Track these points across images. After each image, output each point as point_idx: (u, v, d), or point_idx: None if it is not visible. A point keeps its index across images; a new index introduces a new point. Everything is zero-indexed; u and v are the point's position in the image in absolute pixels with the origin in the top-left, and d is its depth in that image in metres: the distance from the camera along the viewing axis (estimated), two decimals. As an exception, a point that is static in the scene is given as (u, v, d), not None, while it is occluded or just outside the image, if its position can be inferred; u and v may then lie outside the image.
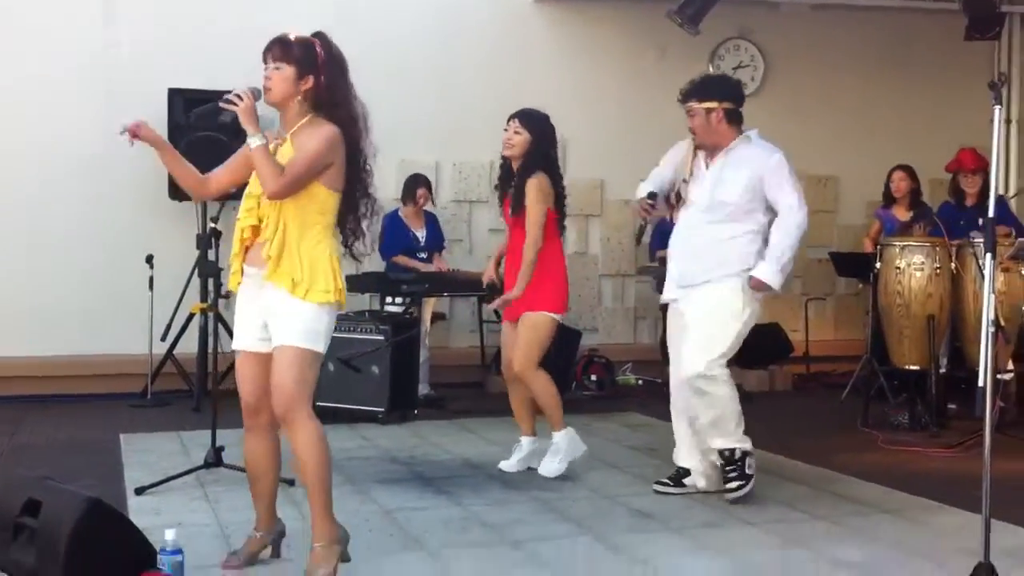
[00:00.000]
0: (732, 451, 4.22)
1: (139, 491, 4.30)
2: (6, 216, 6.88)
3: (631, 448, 5.42)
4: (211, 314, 6.33)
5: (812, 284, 8.39)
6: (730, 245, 4.23)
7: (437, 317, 7.21)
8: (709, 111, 4.27)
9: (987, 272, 3.17)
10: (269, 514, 3.40)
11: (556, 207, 4.71)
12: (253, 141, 3.17)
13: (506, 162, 4.79)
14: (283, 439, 3.31)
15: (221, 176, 3.40)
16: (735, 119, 4.32)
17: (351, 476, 4.64)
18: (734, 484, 4.20)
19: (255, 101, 3.21)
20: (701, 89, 4.35)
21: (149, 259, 6.52)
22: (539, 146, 4.68)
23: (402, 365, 6.07)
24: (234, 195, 6.06)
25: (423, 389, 6.49)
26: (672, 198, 4.45)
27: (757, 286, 4.22)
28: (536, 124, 4.70)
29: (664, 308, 4.75)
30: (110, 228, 7.00)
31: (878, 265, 5.98)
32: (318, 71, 3.22)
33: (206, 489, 4.37)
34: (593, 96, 7.83)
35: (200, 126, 6.64)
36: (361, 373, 5.85)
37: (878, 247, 6.16)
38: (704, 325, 4.21)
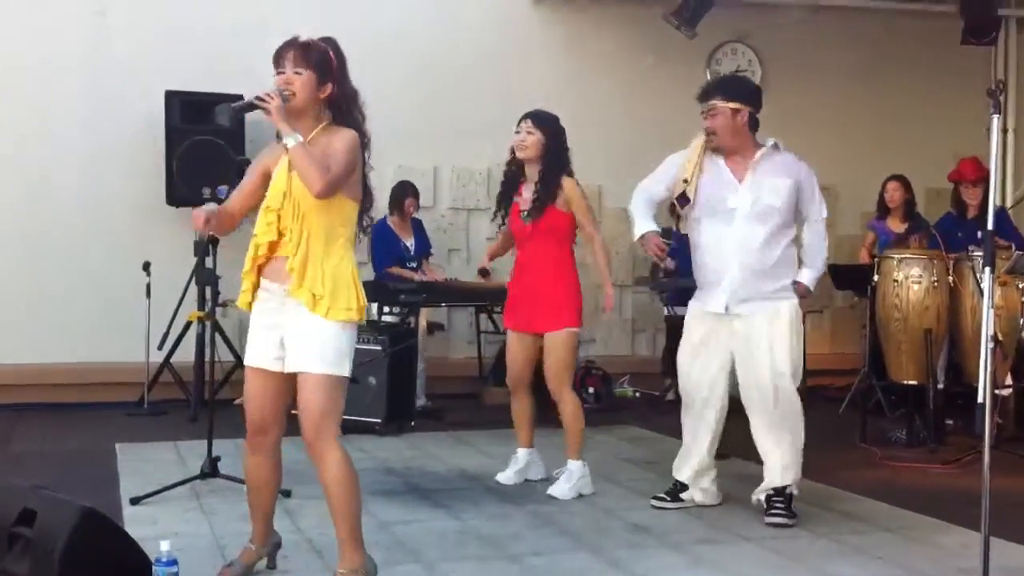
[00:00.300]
0: (787, 485, 4.16)
1: (134, 501, 4.27)
2: (2, 219, 6.86)
3: (629, 461, 5.40)
4: (208, 323, 6.33)
5: (809, 297, 8.37)
6: (785, 258, 4.20)
7: (434, 327, 7.18)
8: (735, 112, 4.19)
9: (986, 287, 3.16)
10: (266, 527, 3.37)
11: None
12: (290, 140, 3.03)
13: (513, 167, 4.69)
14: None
15: (236, 205, 3.26)
16: (755, 125, 4.27)
17: (348, 487, 4.61)
18: (782, 514, 4.13)
19: (282, 104, 3.09)
20: (727, 88, 4.27)
21: (146, 266, 6.51)
22: (554, 147, 4.61)
23: (399, 375, 6.05)
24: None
25: (420, 401, 6.47)
26: (678, 206, 4.30)
27: (803, 292, 4.22)
28: (549, 124, 4.63)
29: (671, 319, 4.66)
30: (107, 234, 6.98)
31: (876, 278, 5.96)
32: (334, 78, 3.17)
33: (202, 500, 4.34)
34: (591, 100, 7.83)
35: (199, 129, 6.68)
36: (358, 383, 5.82)
37: (875, 259, 6.15)
38: (785, 345, 4.13)
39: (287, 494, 4.26)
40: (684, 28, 6.99)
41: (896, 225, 7.01)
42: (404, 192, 6.84)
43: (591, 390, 7.27)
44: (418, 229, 6.97)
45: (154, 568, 3.11)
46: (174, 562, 3.13)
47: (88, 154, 7.02)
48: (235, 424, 3.34)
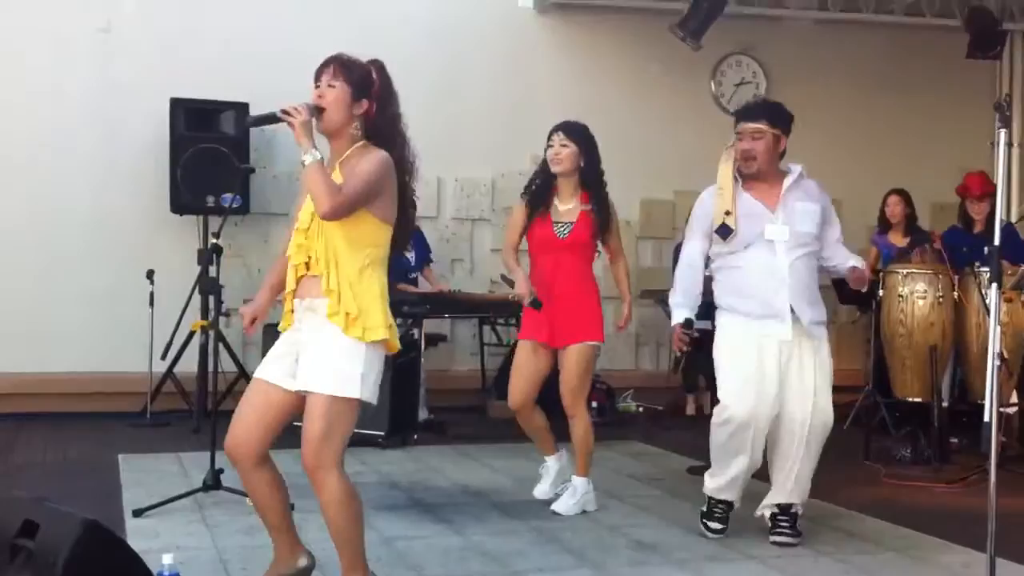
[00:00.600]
0: (792, 504, 4.13)
1: (137, 513, 4.26)
2: (6, 230, 6.87)
3: (632, 477, 5.38)
4: (211, 332, 6.32)
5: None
6: (815, 286, 4.18)
7: (437, 339, 7.17)
8: (777, 138, 4.17)
9: (992, 304, 3.14)
10: (287, 545, 3.27)
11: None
12: (307, 157, 2.97)
13: (546, 178, 4.60)
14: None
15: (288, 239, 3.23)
16: (783, 155, 4.26)
17: (350, 501, 4.59)
18: (787, 532, 4.10)
19: (312, 118, 3.05)
20: (773, 113, 4.21)
21: (150, 275, 6.50)
22: (591, 160, 4.58)
23: (402, 388, 6.03)
24: (237, 210, 6.13)
25: (422, 414, 6.45)
26: (720, 237, 4.17)
27: (862, 275, 4.17)
28: (582, 136, 4.58)
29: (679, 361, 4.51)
30: (111, 242, 6.99)
31: (880, 293, 5.94)
32: (371, 97, 3.13)
33: (204, 512, 4.33)
34: (595, 111, 7.74)
35: (204, 137, 6.69)
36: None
37: (879, 274, 6.13)
38: (827, 373, 4.12)
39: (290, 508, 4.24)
40: (689, 40, 7.00)
41: (898, 239, 7.00)
42: None
43: (594, 404, 7.19)
44: (418, 239, 6.96)
45: (156, 582, 3.09)
46: (176, 575, 3.11)
47: (93, 162, 7.03)
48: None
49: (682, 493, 4.90)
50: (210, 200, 6.70)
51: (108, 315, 6.89)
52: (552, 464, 4.74)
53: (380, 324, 3.04)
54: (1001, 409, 5.33)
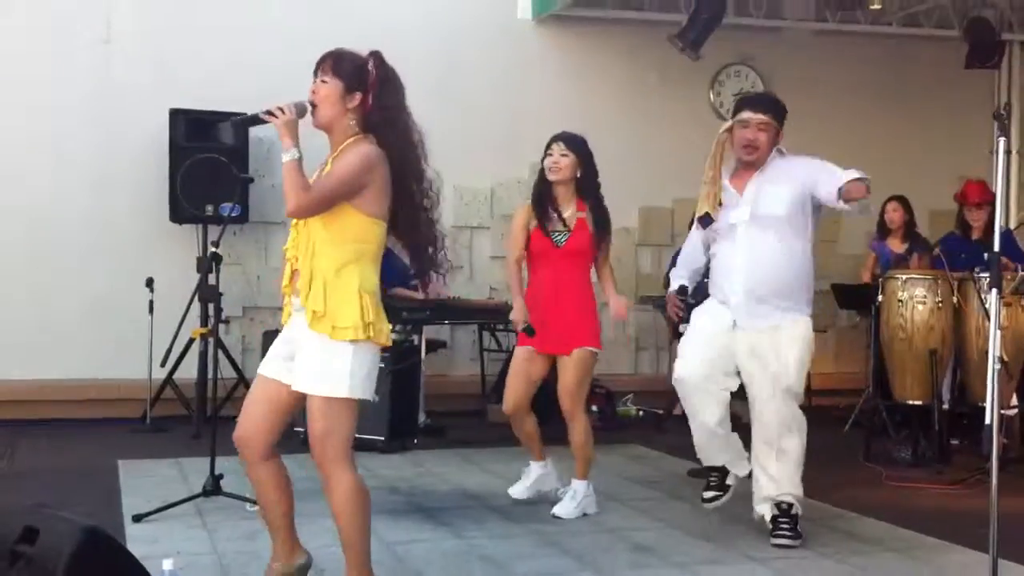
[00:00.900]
0: (790, 505, 4.12)
1: (137, 518, 4.26)
2: (6, 238, 6.88)
3: (632, 480, 5.38)
4: (211, 339, 6.33)
5: (814, 316, 8.34)
6: (799, 274, 4.11)
7: (437, 345, 7.18)
8: (777, 133, 4.20)
9: (992, 309, 3.16)
10: (286, 545, 3.27)
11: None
12: (284, 155, 3.01)
13: (545, 187, 4.63)
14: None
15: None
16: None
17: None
18: (787, 535, 4.09)
19: (299, 117, 3.06)
20: (778, 108, 4.25)
21: (149, 282, 6.51)
22: (588, 171, 4.62)
23: (403, 393, 6.04)
24: (236, 218, 6.15)
25: (419, 418, 6.44)
26: (700, 225, 4.26)
27: (858, 191, 3.87)
28: (580, 146, 4.62)
29: (676, 329, 4.58)
30: (111, 251, 7.00)
31: (880, 298, 5.96)
32: (367, 89, 3.11)
33: (205, 518, 4.33)
34: (594, 120, 7.78)
35: (203, 146, 6.71)
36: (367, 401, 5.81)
37: (879, 280, 6.15)
38: (788, 369, 4.08)
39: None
40: (688, 50, 7.01)
41: (896, 245, 7.01)
42: None
43: (594, 408, 7.22)
44: None
45: (157, 587, 3.09)
46: (176, 581, 3.11)
47: (93, 171, 7.04)
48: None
49: (682, 496, 4.91)
50: (209, 209, 6.71)
51: (108, 323, 6.90)
52: (535, 469, 4.77)
53: (351, 323, 3.00)
54: (1002, 411, 5.34)
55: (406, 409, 6.08)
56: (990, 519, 3.05)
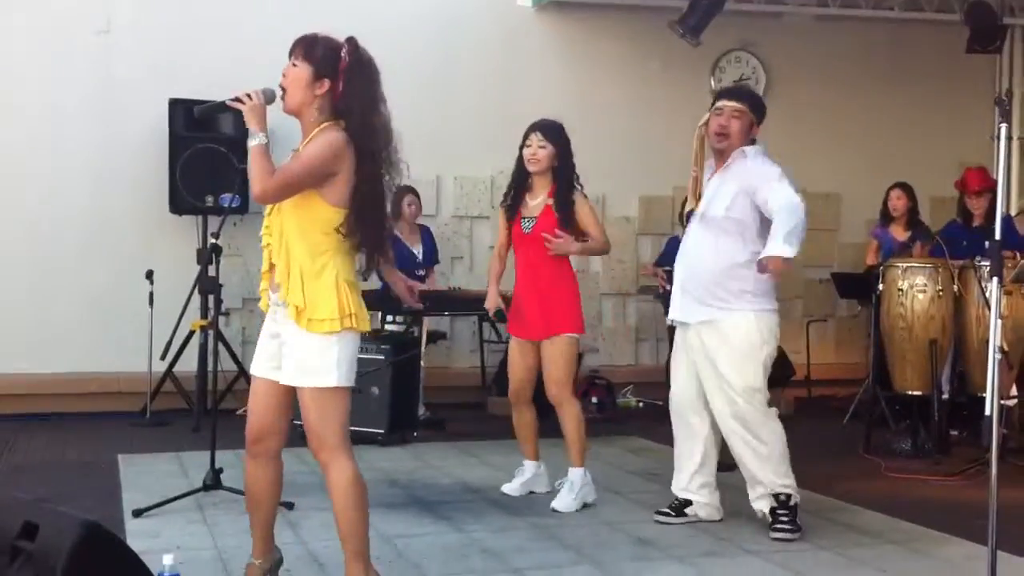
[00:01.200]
0: (788, 496, 4.13)
1: (137, 513, 4.26)
2: (5, 231, 6.86)
3: (633, 473, 5.38)
4: (211, 332, 6.32)
5: (813, 305, 8.37)
6: (740, 272, 4.09)
7: (437, 336, 7.17)
8: (752, 125, 4.22)
9: (993, 298, 3.14)
10: (266, 541, 3.32)
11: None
12: (251, 140, 3.01)
13: (521, 175, 4.69)
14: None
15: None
16: (753, 142, 4.28)
17: (350, 499, 4.59)
18: (786, 528, 4.09)
19: (267, 103, 3.06)
20: (755, 101, 4.31)
21: (149, 275, 6.49)
22: (564, 160, 4.64)
23: (402, 385, 6.03)
24: (236, 209, 6.14)
25: (419, 411, 6.44)
26: (684, 222, 4.39)
27: (774, 266, 3.91)
28: (558, 135, 4.65)
29: (671, 328, 4.63)
30: (110, 242, 6.98)
31: (880, 287, 5.94)
32: (338, 76, 3.06)
33: (205, 512, 4.33)
34: (594, 108, 7.83)
35: (203, 137, 6.68)
36: (360, 393, 5.80)
37: (879, 268, 6.13)
38: (732, 363, 4.09)
39: (290, 506, 4.25)
40: (689, 36, 6.98)
41: (899, 233, 6.99)
42: (400, 195, 6.81)
43: (594, 400, 7.24)
44: (426, 237, 6.95)
45: (157, 582, 3.09)
46: (177, 576, 3.11)
47: (92, 162, 7.02)
48: (238, 435, 3.32)
49: (682, 488, 4.90)
50: (209, 200, 6.69)
51: (108, 315, 6.89)
52: (528, 468, 4.81)
53: (328, 316, 3.02)
54: (1002, 402, 5.33)
55: (405, 402, 6.07)
56: (989, 510, 3.04)
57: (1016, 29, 8.60)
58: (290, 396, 3.17)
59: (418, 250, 6.85)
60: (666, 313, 4.43)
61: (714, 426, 4.26)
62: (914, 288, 5.80)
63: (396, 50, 7.66)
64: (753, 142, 4.26)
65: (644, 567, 3.77)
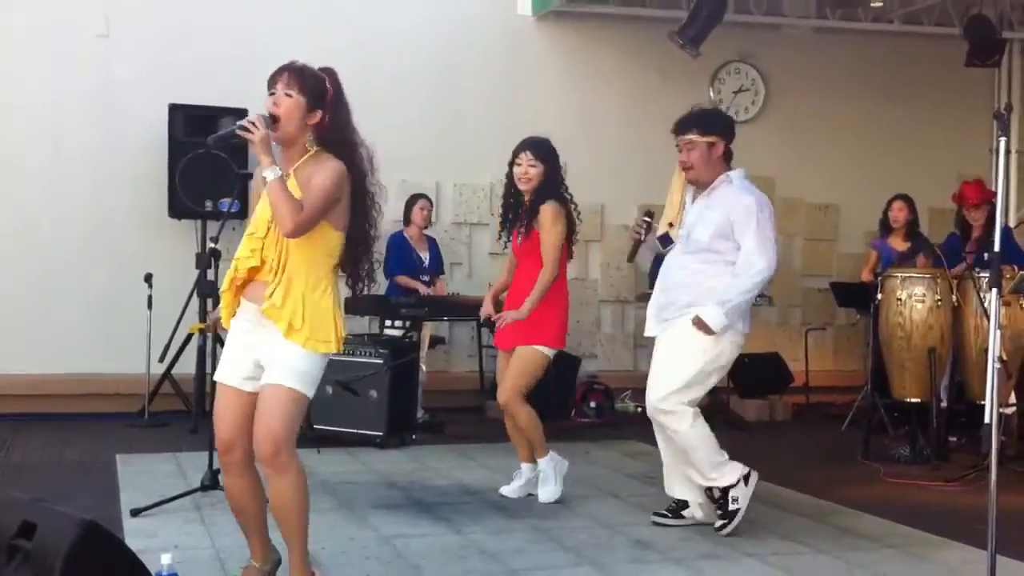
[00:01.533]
0: (710, 489, 4.20)
1: (135, 513, 4.26)
2: (5, 234, 6.87)
3: (631, 476, 5.39)
4: (209, 334, 6.33)
5: (812, 314, 8.39)
6: (703, 282, 4.15)
7: (436, 341, 7.18)
8: (711, 145, 4.21)
9: (992, 309, 3.16)
10: (262, 544, 3.31)
11: (567, 236, 4.69)
12: (269, 173, 3.01)
13: (513, 193, 4.75)
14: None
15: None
16: (729, 157, 4.29)
17: (349, 502, 4.60)
18: (720, 524, 4.17)
19: (267, 132, 3.06)
20: (704, 121, 4.26)
21: (148, 278, 6.50)
22: (551, 175, 4.69)
23: (401, 389, 6.04)
24: (235, 214, 6.15)
25: (418, 414, 6.45)
26: (659, 246, 4.43)
27: (698, 325, 4.07)
28: (548, 153, 4.70)
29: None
30: (109, 246, 7.00)
31: (879, 296, 5.96)
32: (326, 107, 3.13)
33: (202, 512, 4.33)
34: (594, 117, 7.85)
35: (202, 142, 6.66)
36: (359, 397, 5.82)
37: (878, 278, 6.15)
38: (667, 359, 4.19)
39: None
40: (688, 47, 7.01)
41: (899, 244, 7.02)
42: (412, 201, 6.85)
43: (593, 405, 7.26)
44: (433, 246, 6.97)
45: (155, 581, 3.09)
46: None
47: (92, 166, 7.04)
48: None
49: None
50: (208, 205, 6.71)
51: (107, 317, 6.89)
52: (526, 470, 4.84)
53: (329, 339, 3.09)
54: (1000, 410, 5.33)
55: (404, 405, 6.08)
56: (988, 516, 3.05)
57: (1015, 43, 8.64)
58: (253, 407, 3.15)
59: (425, 256, 6.87)
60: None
61: None
62: (912, 298, 5.81)
63: (398, 59, 7.76)
64: (730, 156, 4.27)
65: (643, 569, 3.77)
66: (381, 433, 5.91)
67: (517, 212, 4.75)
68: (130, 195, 7.04)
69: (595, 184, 7.82)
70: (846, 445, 6.21)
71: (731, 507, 4.16)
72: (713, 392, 5.02)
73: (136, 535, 3.90)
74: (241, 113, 6.62)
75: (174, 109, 6.83)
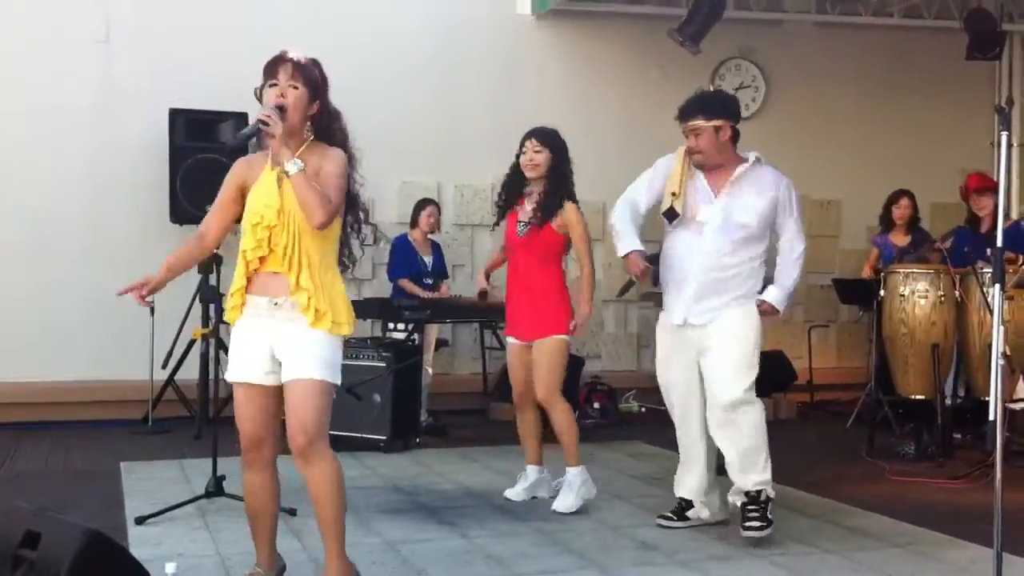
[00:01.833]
0: (759, 492, 4.11)
1: (139, 520, 4.25)
2: (7, 238, 6.87)
3: (635, 478, 5.37)
4: (212, 340, 6.32)
5: (815, 311, 8.37)
6: (747, 270, 4.18)
7: (439, 344, 7.17)
8: (718, 129, 4.18)
9: (996, 304, 3.15)
10: (270, 550, 3.33)
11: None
12: (292, 167, 3.03)
13: (515, 176, 4.73)
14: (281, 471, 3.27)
15: (213, 225, 3.30)
16: (736, 138, 4.27)
17: (353, 506, 4.55)
18: (755, 525, 4.06)
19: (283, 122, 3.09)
20: (708, 106, 4.24)
21: (150, 284, 6.48)
22: (559, 165, 4.67)
23: (404, 392, 6.03)
24: (236, 220, 6.14)
25: (421, 416, 6.44)
26: (666, 221, 4.32)
27: (768, 310, 4.20)
28: (554, 140, 4.69)
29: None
30: (111, 251, 6.98)
31: (882, 292, 5.94)
32: (320, 96, 3.18)
33: (207, 519, 4.32)
34: (595, 116, 7.84)
35: (203, 147, 6.70)
36: (363, 400, 5.81)
37: (881, 274, 6.13)
38: (731, 351, 4.12)
39: (292, 512, 4.24)
40: (689, 44, 6.99)
41: (900, 239, 7.01)
42: (421, 206, 6.83)
43: (596, 405, 7.24)
44: (436, 251, 6.96)
45: (159, 590, 3.08)
46: (179, 584, 3.10)
47: (92, 172, 7.03)
48: (239, 442, 3.31)
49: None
50: (209, 209, 6.68)
51: (109, 324, 6.87)
52: (531, 473, 4.82)
53: (346, 320, 3.16)
54: (1008, 405, 5.33)
55: (408, 408, 6.07)
56: (994, 514, 3.03)
57: (1015, 36, 8.62)
58: (277, 400, 3.18)
59: (429, 260, 6.86)
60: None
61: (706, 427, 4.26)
62: (915, 294, 5.80)
63: (397, 59, 7.75)
64: (737, 137, 4.25)
65: (649, 572, 3.76)
66: (385, 437, 5.91)
67: (515, 198, 4.73)
68: (131, 200, 7.03)
69: (596, 183, 7.74)
70: (850, 443, 6.20)
71: (770, 515, 4.11)
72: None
73: (141, 543, 3.90)
74: (241, 117, 6.63)
75: (175, 114, 6.82)
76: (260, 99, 3.19)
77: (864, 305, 7.10)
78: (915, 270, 5.94)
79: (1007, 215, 6.05)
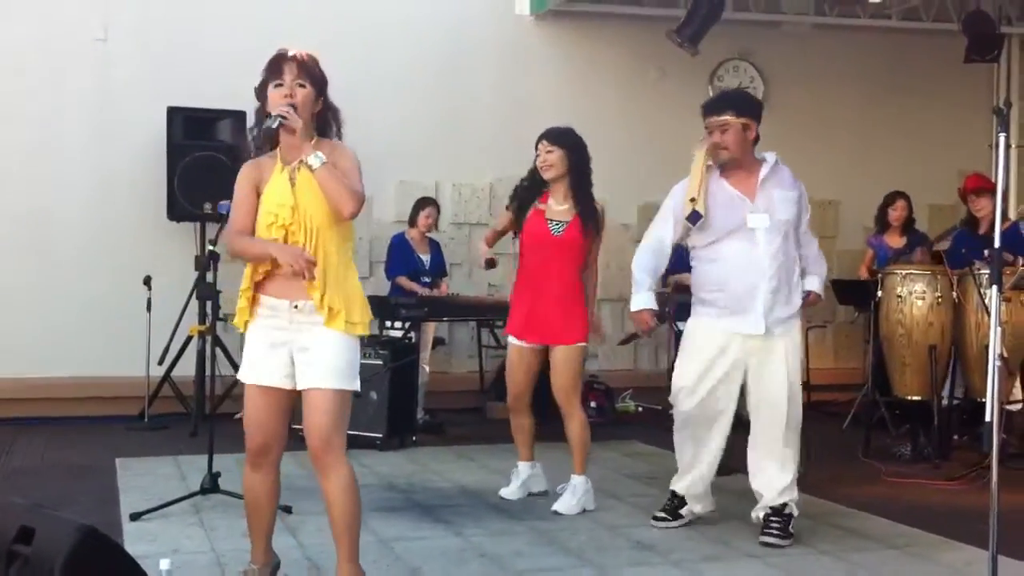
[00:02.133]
0: (784, 505, 4.11)
1: (135, 517, 4.25)
2: (5, 235, 6.86)
3: (632, 477, 5.37)
4: (209, 337, 6.32)
5: (812, 311, 8.33)
6: (797, 270, 4.22)
7: (436, 342, 7.17)
8: (746, 127, 4.17)
9: (993, 306, 3.15)
10: (266, 546, 3.34)
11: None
12: (315, 160, 3.03)
13: (533, 181, 4.68)
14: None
15: (251, 224, 3.17)
16: (757, 142, 4.27)
17: (349, 504, 4.58)
18: (776, 533, 4.06)
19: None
20: (739, 103, 4.24)
21: (147, 280, 6.50)
22: (578, 162, 4.63)
23: (401, 390, 6.03)
24: (233, 217, 6.14)
25: (418, 414, 6.43)
26: (690, 224, 4.19)
27: (815, 300, 4.34)
28: (567, 138, 4.64)
29: (677, 335, 4.63)
30: (109, 249, 6.99)
31: (879, 294, 5.94)
32: (323, 93, 3.19)
33: (202, 515, 4.32)
34: (593, 116, 7.78)
35: (201, 144, 6.70)
36: (359, 398, 5.79)
37: (878, 275, 6.13)
38: (797, 361, 4.19)
39: (288, 510, 4.24)
40: (687, 45, 7.00)
41: (895, 240, 7.03)
42: (420, 205, 6.82)
43: (593, 405, 7.23)
44: (435, 249, 6.96)
45: (154, 587, 3.08)
46: (174, 581, 3.10)
47: (90, 169, 7.03)
48: (236, 439, 3.32)
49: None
50: (207, 207, 6.68)
51: (106, 320, 6.88)
52: (523, 469, 4.82)
53: (360, 320, 3.14)
54: (1005, 406, 5.33)
55: (404, 406, 6.07)
56: (990, 515, 3.03)
57: (1014, 38, 8.63)
58: (292, 402, 3.18)
59: (426, 258, 6.86)
60: (671, 321, 4.42)
61: (726, 437, 4.26)
62: (913, 295, 5.80)
63: (396, 58, 7.75)
64: (757, 139, 4.25)
65: (644, 571, 3.75)
66: (381, 435, 5.90)
67: (531, 201, 4.66)
68: (129, 198, 7.03)
69: (595, 183, 7.79)
70: (847, 444, 6.20)
71: (792, 530, 4.11)
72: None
73: (136, 539, 3.90)
74: (240, 115, 6.63)
75: (172, 112, 6.82)
76: (259, 97, 3.18)
77: (861, 306, 7.10)
78: (913, 271, 5.94)
79: (1005, 216, 6.08)
